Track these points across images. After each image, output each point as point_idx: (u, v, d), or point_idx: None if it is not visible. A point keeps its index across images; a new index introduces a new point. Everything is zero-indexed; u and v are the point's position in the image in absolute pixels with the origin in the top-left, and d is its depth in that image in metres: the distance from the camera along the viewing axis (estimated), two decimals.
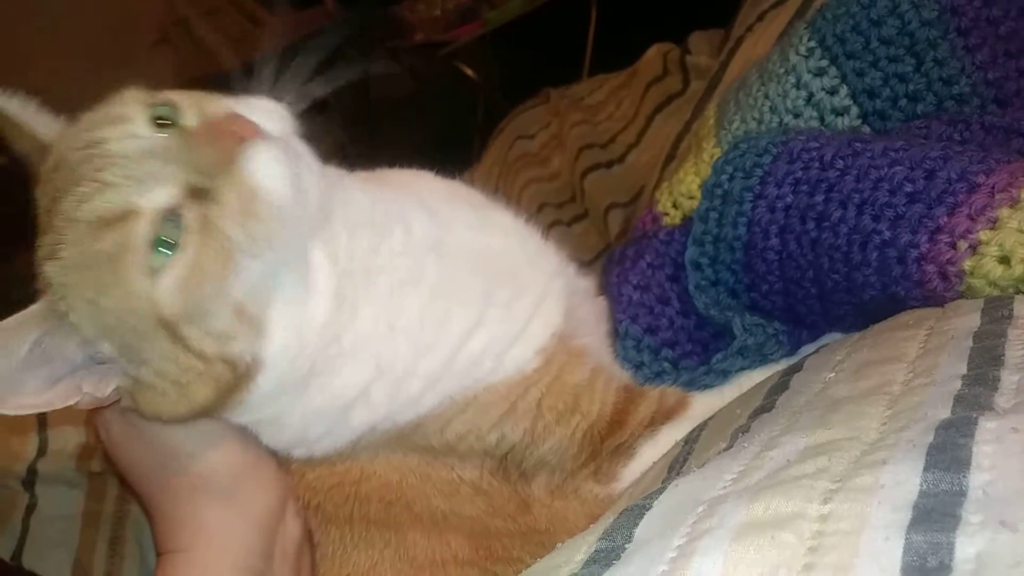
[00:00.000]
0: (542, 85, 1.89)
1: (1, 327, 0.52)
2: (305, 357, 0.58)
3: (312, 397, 0.60)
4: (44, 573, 0.88)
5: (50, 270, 0.53)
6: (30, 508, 0.92)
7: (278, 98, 0.59)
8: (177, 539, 0.61)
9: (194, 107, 0.56)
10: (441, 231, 0.65)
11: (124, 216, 0.52)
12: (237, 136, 0.53)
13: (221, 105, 0.56)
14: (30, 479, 0.93)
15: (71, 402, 0.55)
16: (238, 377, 0.56)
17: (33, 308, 0.53)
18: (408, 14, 2.92)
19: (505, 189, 1.61)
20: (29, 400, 0.54)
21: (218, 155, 0.53)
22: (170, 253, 0.52)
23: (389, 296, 0.61)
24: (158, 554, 0.63)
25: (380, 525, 0.64)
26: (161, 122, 0.55)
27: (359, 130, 3.46)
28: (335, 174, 0.64)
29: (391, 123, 3.30)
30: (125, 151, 0.52)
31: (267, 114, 0.56)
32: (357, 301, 0.60)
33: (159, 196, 0.52)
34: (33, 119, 0.58)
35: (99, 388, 0.56)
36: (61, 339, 0.54)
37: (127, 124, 0.54)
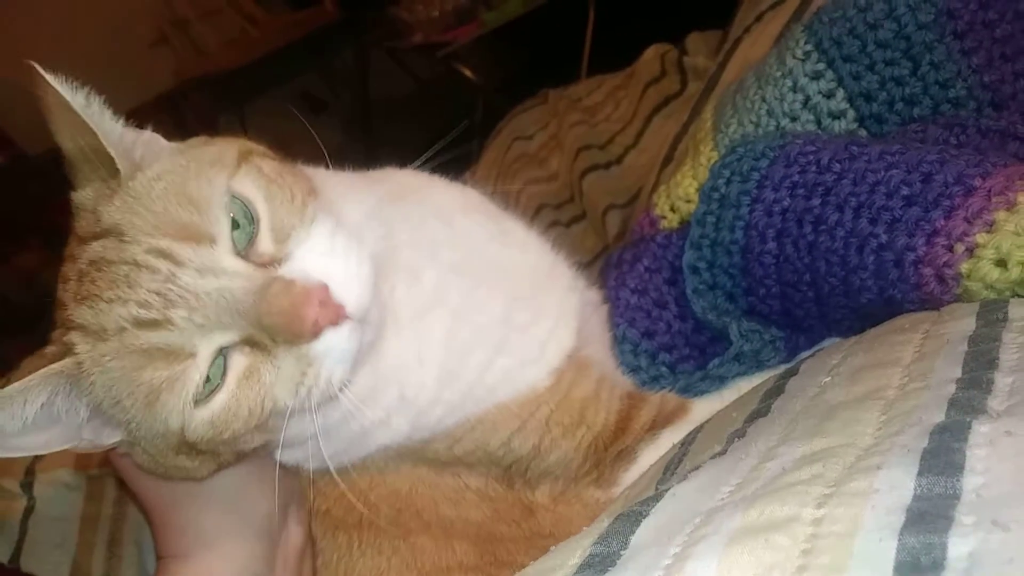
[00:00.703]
0: (540, 86, 1.89)
1: (11, 390, 0.51)
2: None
3: (337, 424, 0.60)
4: (42, 575, 0.88)
5: (83, 352, 0.51)
6: (28, 510, 0.92)
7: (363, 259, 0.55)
8: (177, 545, 0.61)
9: (270, 226, 0.53)
10: (462, 250, 0.65)
11: (180, 353, 0.51)
12: (318, 320, 0.50)
13: (301, 250, 0.53)
14: (28, 481, 0.93)
15: (68, 447, 0.55)
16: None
17: (48, 371, 0.52)
18: (407, 15, 2.93)
19: (503, 190, 1.61)
20: (28, 448, 0.54)
21: (292, 331, 0.51)
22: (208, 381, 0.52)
23: (412, 320, 0.62)
24: (158, 558, 0.63)
25: (390, 532, 0.64)
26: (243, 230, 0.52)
27: (358, 130, 3.46)
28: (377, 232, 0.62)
29: (390, 123, 3.31)
30: (197, 291, 0.50)
31: (352, 280, 0.53)
32: (386, 334, 0.60)
33: (218, 340, 0.51)
34: (97, 118, 0.54)
35: (100, 438, 0.56)
36: (73, 402, 0.54)
37: (204, 247, 0.51)
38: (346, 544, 0.65)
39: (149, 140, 0.58)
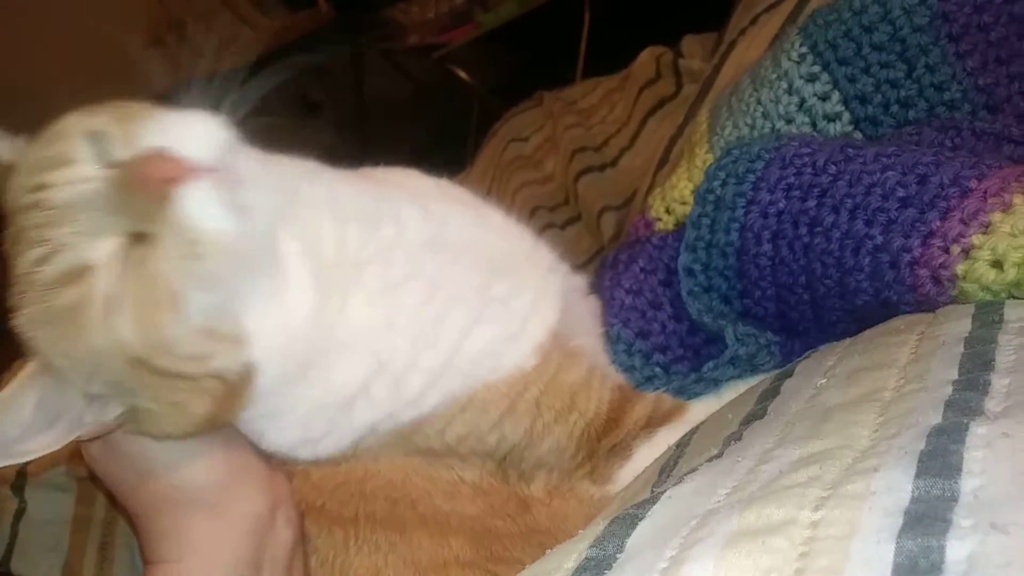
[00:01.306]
0: (535, 88, 1.89)
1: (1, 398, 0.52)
2: (297, 351, 0.58)
3: (313, 389, 0.60)
4: None
5: (22, 326, 0.52)
6: (19, 513, 0.91)
7: (212, 109, 0.56)
8: (162, 550, 0.61)
9: (123, 135, 0.54)
10: (435, 227, 0.64)
11: (79, 272, 0.51)
12: (166, 179, 0.51)
13: (148, 135, 0.54)
14: (19, 483, 0.93)
15: (76, 436, 0.56)
16: (232, 385, 0.56)
17: (27, 370, 0.53)
18: (402, 16, 2.92)
19: (498, 192, 1.61)
20: (37, 449, 0.55)
21: (151, 202, 0.51)
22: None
23: (383, 290, 0.61)
24: (144, 564, 0.62)
25: (385, 525, 0.63)
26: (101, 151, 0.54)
27: (352, 132, 3.46)
28: (310, 167, 0.64)
29: (385, 126, 3.30)
30: (68, 201, 0.52)
31: (199, 138, 0.54)
32: (347, 292, 0.59)
33: (107, 246, 0.52)
34: None
35: (101, 417, 0.56)
36: (62, 393, 0.54)
37: (68, 167, 0.53)
38: (342, 540, 0.64)
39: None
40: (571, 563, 0.38)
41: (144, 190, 0.51)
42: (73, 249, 0.52)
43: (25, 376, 0.53)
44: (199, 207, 0.52)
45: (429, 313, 0.62)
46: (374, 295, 0.61)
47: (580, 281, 0.77)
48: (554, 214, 1.49)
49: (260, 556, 0.62)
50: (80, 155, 0.53)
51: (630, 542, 0.38)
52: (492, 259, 0.66)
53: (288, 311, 0.57)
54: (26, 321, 0.52)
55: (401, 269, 0.62)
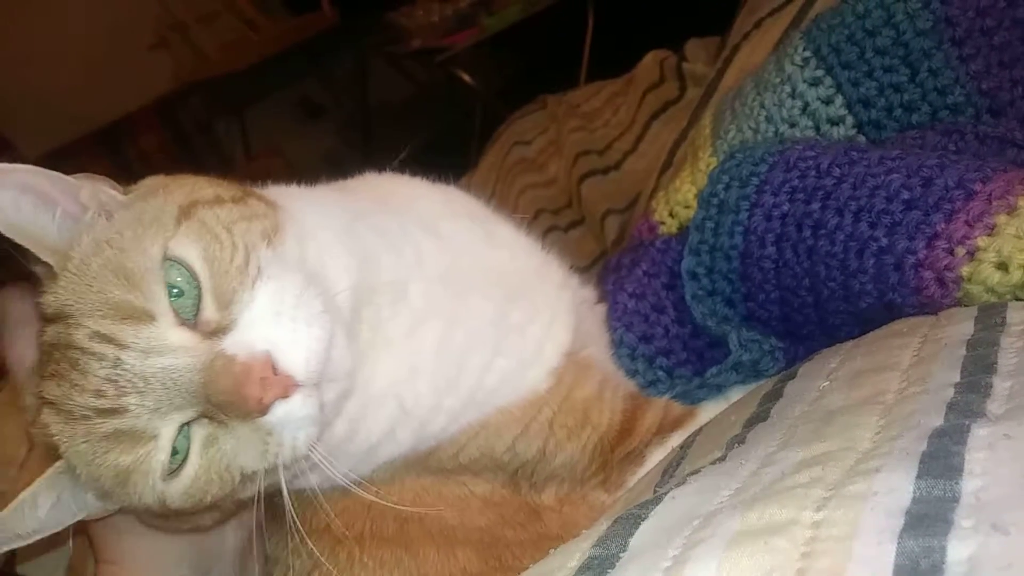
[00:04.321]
0: (539, 91, 1.90)
1: (20, 500, 0.53)
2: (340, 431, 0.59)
3: (340, 444, 0.60)
4: None
5: (58, 433, 0.52)
6: None
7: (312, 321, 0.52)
8: (111, 551, 0.62)
9: (212, 292, 0.51)
10: (450, 257, 0.64)
11: (140, 437, 0.51)
12: (262, 397, 0.49)
13: (248, 320, 0.51)
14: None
15: (79, 518, 0.57)
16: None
17: (48, 475, 0.53)
18: (406, 20, 2.93)
19: (502, 195, 1.61)
20: (49, 531, 0.56)
21: (239, 410, 0.50)
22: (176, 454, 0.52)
23: (406, 337, 0.61)
24: (96, 562, 0.63)
25: (393, 543, 0.63)
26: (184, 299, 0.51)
27: (356, 135, 3.46)
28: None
29: (389, 129, 3.31)
30: (144, 373, 0.49)
31: (302, 351, 0.51)
32: (377, 353, 0.60)
33: (177, 419, 0.51)
34: (28, 227, 0.52)
35: (109, 509, 0.58)
36: (78, 494, 0.55)
37: (145, 326, 0.50)
38: (346, 560, 0.63)
39: (95, 192, 0.55)
40: (574, 562, 0.39)
41: (238, 399, 0.49)
42: (138, 418, 0.50)
43: (42, 480, 0.53)
44: (292, 422, 0.51)
45: (450, 353, 0.62)
46: (395, 344, 0.60)
47: (589, 293, 0.77)
48: (557, 217, 1.50)
49: (207, 564, 0.64)
50: (159, 308, 0.50)
51: (633, 541, 0.38)
52: (505, 281, 0.66)
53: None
54: (69, 448, 0.51)
55: (421, 309, 0.62)
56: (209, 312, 0.51)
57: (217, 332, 0.51)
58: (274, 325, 0.51)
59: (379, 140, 3.29)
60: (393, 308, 0.61)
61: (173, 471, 0.52)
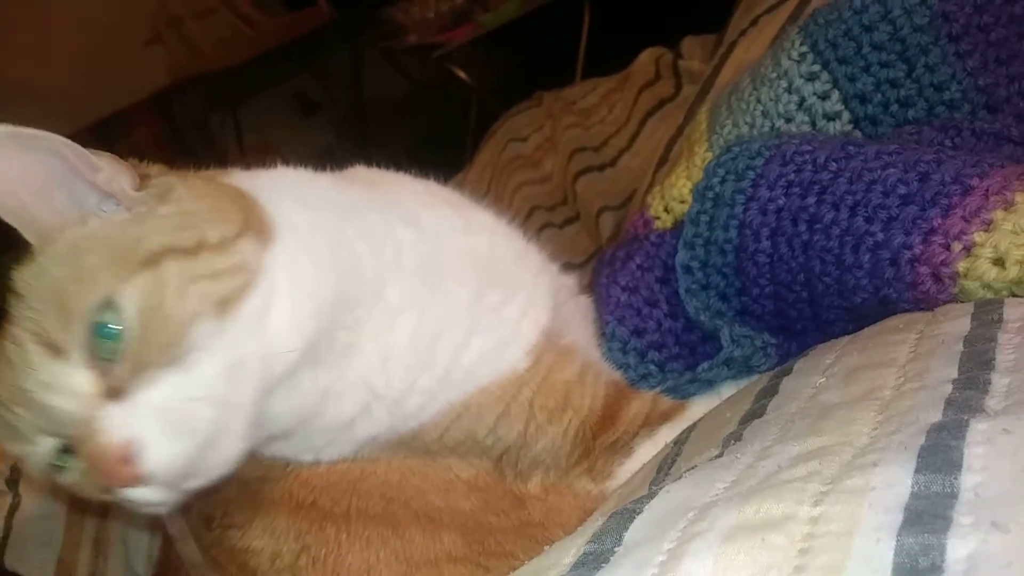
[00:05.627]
0: (535, 88, 1.90)
1: None
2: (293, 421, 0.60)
3: (311, 419, 0.61)
4: (27, 573, 0.87)
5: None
6: (13, 507, 0.91)
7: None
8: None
9: (133, 354, 0.51)
10: (427, 246, 0.65)
11: (26, 439, 0.54)
12: (113, 478, 0.52)
13: (134, 415, 0.52)
14: (14, 478, 0.92)
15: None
16: None
17: None
18: (402, 16, 2.93)
19: (497, 191, 1.61)
20: None
21: (98, 477, 0.53)
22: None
23: (380, 330, 0.61)
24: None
25: (378, 522, 0.63)
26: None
27: (352, 132, 3.46)
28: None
29: (384, 125, 3.30)
30: (35, 398, 0.52)
31: (164, 456, 0.52)
32: (352, 351, 0.60)
33: (54, 441, 0.54)
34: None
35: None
36: None
37: (56, 364, 0.51)
38: (334, 537, 0.64)
39: (113, 177, 0.55)
40: (569, 558, 0.38)
41: (93, 467, 0.52)
42: (22, 422, 0.53)
43: None
44: (135, 496, 0.53)
45: (423, 339, 0.62)
46: (367, 339, 0.61)
47: (570, 280, 0.78)
48: (552, 213, 1.49)
49: None
50: (75, 350, 0.51)
51: (628, 536, 0.38)
52: (482, 265, 0.67)
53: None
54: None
55: (397, 306, 0.62)
56: (121, 369, 0.51)
57: (117, 392, 0.52)
58: (154, 419, 0.52)
59: (374, 136, 3.28)
60: (369, 310, 0.61)
61: (59, 468, 0.55)
